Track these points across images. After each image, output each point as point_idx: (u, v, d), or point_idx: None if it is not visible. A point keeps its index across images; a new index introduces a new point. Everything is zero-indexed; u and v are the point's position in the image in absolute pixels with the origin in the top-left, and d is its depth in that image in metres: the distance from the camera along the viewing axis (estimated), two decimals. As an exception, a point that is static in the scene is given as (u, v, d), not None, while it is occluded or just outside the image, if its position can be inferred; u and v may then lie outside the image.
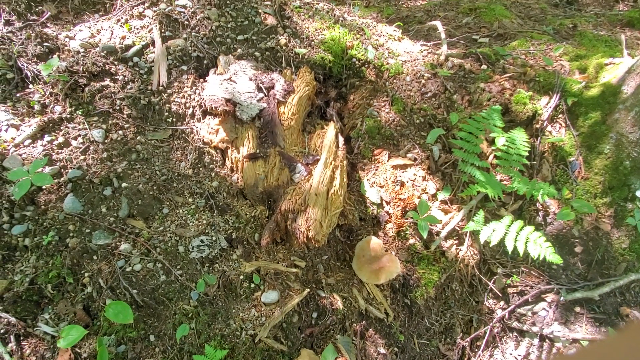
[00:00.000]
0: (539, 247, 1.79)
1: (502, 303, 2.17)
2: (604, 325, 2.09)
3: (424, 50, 2.67)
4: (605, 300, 2.12)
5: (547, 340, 2.07)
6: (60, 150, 1.70)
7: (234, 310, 1.61)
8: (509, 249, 1.83)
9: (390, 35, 2.76)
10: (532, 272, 2.17)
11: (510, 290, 2.18)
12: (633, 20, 3.23)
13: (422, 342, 1.95)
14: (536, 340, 2.07)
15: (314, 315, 1.76)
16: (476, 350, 2.05)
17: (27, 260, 1.52)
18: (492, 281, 2.14)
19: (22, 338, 1.44)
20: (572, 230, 2.17)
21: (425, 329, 1.99)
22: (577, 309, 2.12)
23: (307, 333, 1.72)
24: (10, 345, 1.41)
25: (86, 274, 1.52)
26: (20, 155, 1.67)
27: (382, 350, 1.81)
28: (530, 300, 2.13)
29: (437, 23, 2.91)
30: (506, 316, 2.11)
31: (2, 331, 1.41)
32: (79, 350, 1.44)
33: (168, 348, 1.49)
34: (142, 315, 1.52)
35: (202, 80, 2.07)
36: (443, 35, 2.75)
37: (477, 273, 2.14)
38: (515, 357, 2.05)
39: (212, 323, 1.56)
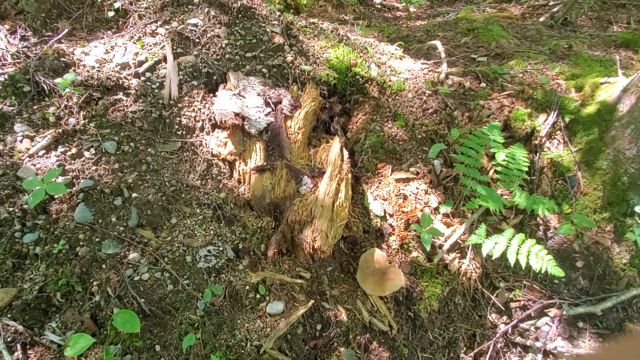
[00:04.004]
0: (541, 260, 1.82)
1: (505, 317, 2.17)
2: (608, 340, 2.09)
3: (425, 68, 2.77)
4: (608, 315, 2.13)
5: (550, 355, 2.07)
6: (73, 161, 1.75)
7: (239, 321, 1.62)
8: (511, 262, 1.86)
9: (392, 53, 2.86)
10: (534, 286, 2.19)
11: (512, 304, 2.19)
12: (627, 41, 3.35)
13: (425, 356, 1.95)
14: (540, 356, 2.06)
15: (318, 327, 1.76)
16: (480, 365, 2.04)
17: (37, 269, 1.54)
18: (494, 295, 2.15)
19: (28, 347, 1.44)
20: (572, 245, 2.20)
21: (429, 342, 1.98)
22: (580, 324, 2.12)
23: (312, 345, 1.72)
24: (16, 353, 1.41)
25: (95, 283, 1.54)
26: (34, 165, 1.72)
27: (386, 364, 1.80)
28: (533, 314, 2.14)
29: (437, 42, 3.02)
30: (509, 331, 2.11)
31: (9, 339, 1.42)
32: (84, 360, 1.44)
33: (174, 358, 1.49)
34: (148, 324, 1.53)
35: (211, 95, 2.14)
36: (443, 54, 2.85)
37: (479, 287, 2.15)
38: (520, 373, 2.04)
39: (218, 333, 1.57)
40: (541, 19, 4.10)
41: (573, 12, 4.07)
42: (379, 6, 5.28)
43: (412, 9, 5.18)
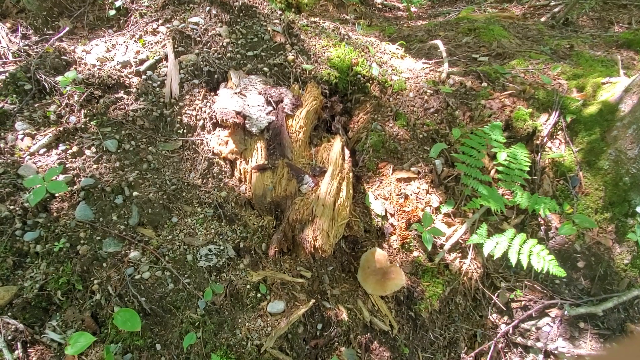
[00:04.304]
0: (542, 260, 1.81)
1: (505, 318, 2.17)
2: (609, 341, 2.08)
3: (426, 67, 2.76)
4: (609, 316, 2.12)
5: (551, 356, 2.06)
6: (74, 159, 1.75)
7: (240, 320, 1.61)
8: (513, 261, 1.85)
9: (393, 53, 2.85)
10: (535, 286, 2.18)
11: (513, 304, 2.18)
12: (628, 41, 3.34)
13: (426, 356, 1.95)
14: (541, 357, 2.05)
15: (319, 326, 1.76)
16: (481, 365, 2.04)
17: (38, 267, 1.54)
18: (495, 295, 2.14)
19: (29, 345, 1.44)
20: (574, 245, 2.19)
21: (430, 342, 1.98)
22: (581, 324, 2.12)
23: (312, 345, 1.72)
24: (17, 352, 1.41)
25: (95, 281, 1.53)
26: (35, 163, 1.72)
27: (387, 364, 1.80)
28: (534, 315, 2.13)
29: (438, 42, 3.02)
30: (510, 331, 2.10)
31: (9, 338, 1.42)
32: (85, 359, 1.44)
33: (174, 357, 1.49)
34: (149, 323, 1.53)
35: (213, 93, 2.13)
36: (444, 54, 2.85)
37: (480, 287, 2.14)
38: (520, 373, 2.03)
39: (219, 332, 1.57)
40: (542, 19, 4.10)
41: (574, 13, 4.07)
42: (379, 6, 5.28)
43: (413, 9, 5.17)
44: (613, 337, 2.08)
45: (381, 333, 1.86)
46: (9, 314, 1.46)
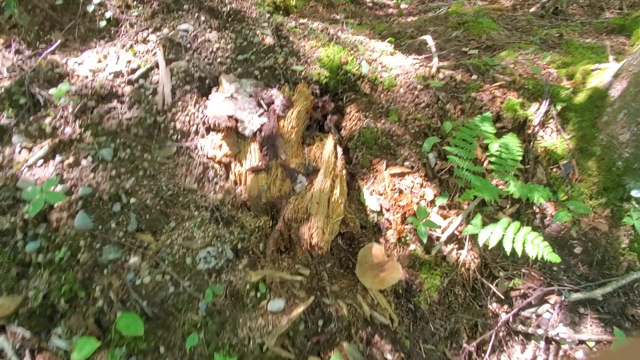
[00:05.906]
0: (537, 247, 1.83)
1: (505, 306, 2.18)
2: (610, 325, 2.09)
3: (416, 63, 2.78)
4: (609, 300, 2.14)
5: (553, 342, 2.08)
6: (70, 170, 1.78)
7: (241, 320, 1.64)
8: (507, 250, 1.87)
9: (383, 50, 2.88)
10: (533, 274, 2.20)
11: (513, 293, 2.20)
12: (619, 26, 3.36)
13: (428, 348, 1.97)
14: (542, 343, 2.07)
15: (320, 322, 1.78)
16: (483, 354, 2.05)
17: (41, 276, 1.57)
18: (494, 284, 2.16)
19: (36, 353, 1.47)
20: (570, 232, 2.21)
21: (431, 334, 2.00)
22: (581, 310, 2.13)
23: (314, 341, 1.74)
24: (24, 359, 1.44)
25: (97, 288, 1.56)
26: (33, 175, 1.75)
27: (389, 357, 1.82)
28: (533, 302, 2.15)
29: (428, 37, 3.04)
30: (511, 319, 2.12)
31: (17, 346, 1.45)
32: (90, 364, 1.47)
33: (178, 359, 1.52)
34: (152, 326, 1.56)
35: (205, 98, 2.16)
36: (433, 49, 2.87)
37: (479, 277, 2.16)
38: (522, 361, 2.05)
39: (221, 332, 1.59)
40: (532, 10, 4.12)
41: (564, 1, 4.08)
42: (370, 4, 5.30)
43: (403, 6, 5.19)
44: (614, 320, 2.10)
45: (382, 327, 1.88)
46: (16, 323, 1.49)
